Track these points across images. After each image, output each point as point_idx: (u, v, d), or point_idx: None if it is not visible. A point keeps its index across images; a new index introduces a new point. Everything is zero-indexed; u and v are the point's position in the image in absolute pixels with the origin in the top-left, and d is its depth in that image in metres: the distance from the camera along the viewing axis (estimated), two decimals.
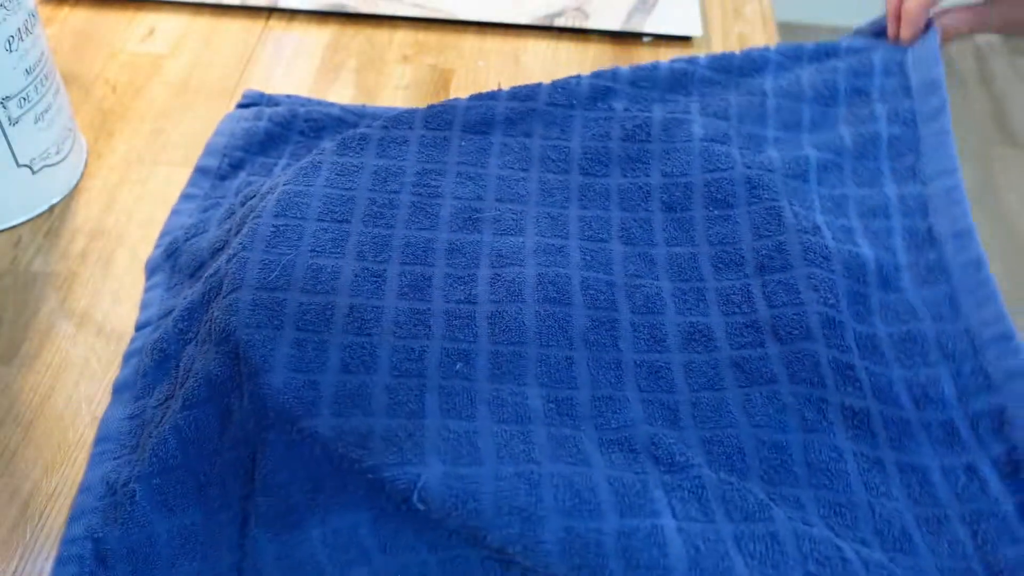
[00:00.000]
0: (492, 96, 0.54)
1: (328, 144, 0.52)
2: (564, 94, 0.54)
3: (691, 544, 0.36)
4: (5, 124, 0.53)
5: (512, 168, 0.51)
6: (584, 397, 0.42)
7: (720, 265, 0.47)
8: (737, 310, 0.45)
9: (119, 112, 0.64)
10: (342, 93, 0.66)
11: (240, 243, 0.46)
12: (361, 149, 0.51)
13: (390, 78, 0.68)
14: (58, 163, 0.57)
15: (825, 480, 0.40)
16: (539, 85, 0.54)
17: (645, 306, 0.45)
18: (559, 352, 0.43)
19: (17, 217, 0.56)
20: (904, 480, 0.41)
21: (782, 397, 0.41)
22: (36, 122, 0.55)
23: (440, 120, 0.53)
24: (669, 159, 0.51)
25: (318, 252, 0.46)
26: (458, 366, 0.42)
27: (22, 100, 0.53)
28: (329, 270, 0.45)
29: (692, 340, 0.44)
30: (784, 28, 0.69)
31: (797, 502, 0.40)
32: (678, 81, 0.58)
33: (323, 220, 0.47)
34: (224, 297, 0.44)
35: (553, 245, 0.47)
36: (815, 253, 0.46)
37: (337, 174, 0.49)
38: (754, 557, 0.37)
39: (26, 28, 0.52)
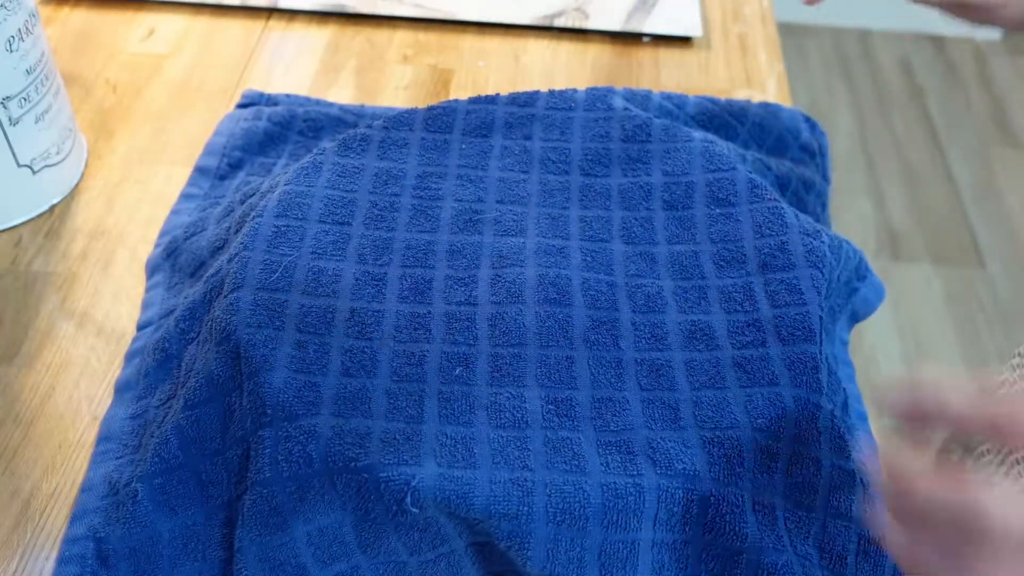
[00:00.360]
0: (491, 100, 0.54)
1: (329, 144, 0.51)
2: (563, 99, 0.54)
3: (658, 561, 0.38)
4: (6, 124, 0.53)
5: (513, 170, 0.51)
6: (584, 398, 0.42)
7: (722, 263, 0.47)
8: (739, 308, 0.45)
9: (119, 112, 0.64)
10: (342, 93, 0.66)
11: (241, 243, 0.46)
12: (362, 151, 0.51)
13: (390, 78, 0.68)
14: (58, 163, 0.57)
15: (797, 494, 0.41)
16: (537, 92, 0.55)
17: (646, 305, 0.45)
18: (559, 352, 0.43)
19: (17, 217, 0.56)
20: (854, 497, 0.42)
21: (784, 401, 0.41)
22: (36, 122, 0.55)
23: (440, 123, 0.53)
24: (670, 158, 0.51)
25: (319, 254, 0.46)
26: (457, 371, 0.42)
27: (22, 100, 0.53)
28: (330, 272, 0.45)
29: (693, 338, 0.44)
30: (784, 28, 0.69)
31: (772, 510, 0.40)
32: (667, 112, 0.59)
33: (324, 222, 0.47)
34: (225, 296, 0.44)
35: (554, 246, 0.47)
36: (817, 256, 0.46)
37: (338, 175, 0.49)
38: (711, 572, 0.39)
39: (26, 28, 0.52)
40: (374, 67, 0.69)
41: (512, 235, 0.48)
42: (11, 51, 0.52)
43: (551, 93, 0.54)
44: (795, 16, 2.19)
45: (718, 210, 0.49)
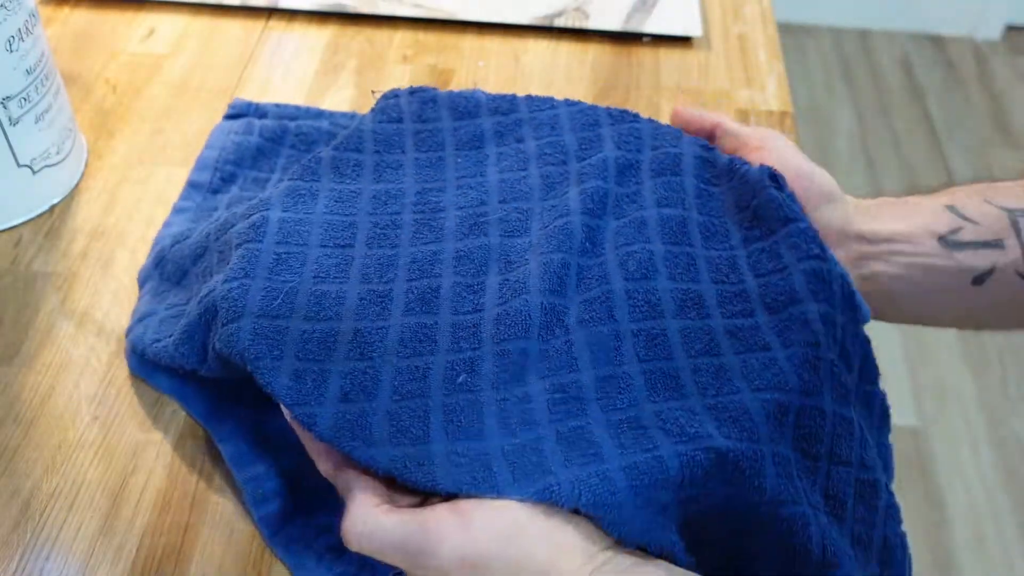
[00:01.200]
0: (475, 114, 0.54)
1: (321, 166, 0.51)
2: (543, 102, 0.54)
3: (683, 516, 0.38)
4: (6, 124, 0.53)
5: (512, 170, 0.51)
6: (588, 379, 0.41)
7: (707, 234, 0.47)
8: (725, 279, 0.45)
9: (119, 112, 0.64)
10: (342, 93, 0.66)
11: (241, 269, 0.45)
12: (357, 176, 0.51)
13: (390, 78, 0.68)
14: (58, 163, 0.57)
15: (804, 444, 0.41)
16: (515, 97, 0.55)
17: (639, 271, 0.45)
18: (558, 341, 0.43)
19: (18, 217, 0.56)
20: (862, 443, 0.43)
21: (779, 363, 0.42)
22: (36, 122, 0.55)
23: (432, 143, 0.52)
24: (659, 135, 0.52)
25: (322, 278, 0.45)
26: (461, 378, 0.41)
27: (22, 100, 0.53)
28: (333, 295, 0.44)
29: (685, 307, 0.44)
30: (784, 28, 0.69)
31: (788, 463, 0.40)
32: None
33: (326, 246, 0.46)
34: (224, 326, 0.43)
35: (556, 227, 0.47)
36: (794, 211, 0.46)
37: (336, 201, 0.49)
38: (731, 525, 0.40)
39: (26, 28, 0.52)
40: (374, 67, 0.69)
41: (519, 235, 0.47)
42: (11, 51, 0.52)
43: (528, 98, 0.55)
44: (795, 16, 2.19)
45: (703, 185, 0.49)
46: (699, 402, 0.41)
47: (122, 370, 0.49)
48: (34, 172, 0.56)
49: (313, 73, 0.68)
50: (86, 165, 0.60)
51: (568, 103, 0.54)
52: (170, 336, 0.46)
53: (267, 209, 0.47)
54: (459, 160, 0.52)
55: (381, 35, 0.71)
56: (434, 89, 0.55)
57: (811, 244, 0.45)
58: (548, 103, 0.54)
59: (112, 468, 0.46)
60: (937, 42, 2.20)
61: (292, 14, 0.73)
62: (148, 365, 0.48)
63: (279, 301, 0.43)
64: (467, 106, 0.54)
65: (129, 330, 0.50)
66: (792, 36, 2.14)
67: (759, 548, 0.40)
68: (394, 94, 0.54)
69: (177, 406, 0.48)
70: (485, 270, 0.46)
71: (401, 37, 0.71)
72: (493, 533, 0.35)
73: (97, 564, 0.42)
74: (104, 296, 0.53)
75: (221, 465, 0.46)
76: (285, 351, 0.41)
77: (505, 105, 0.54)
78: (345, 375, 0.41)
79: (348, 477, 0.38)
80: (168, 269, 0.52)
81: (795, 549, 0.39)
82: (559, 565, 0.35)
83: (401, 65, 0.69)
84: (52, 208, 0.58)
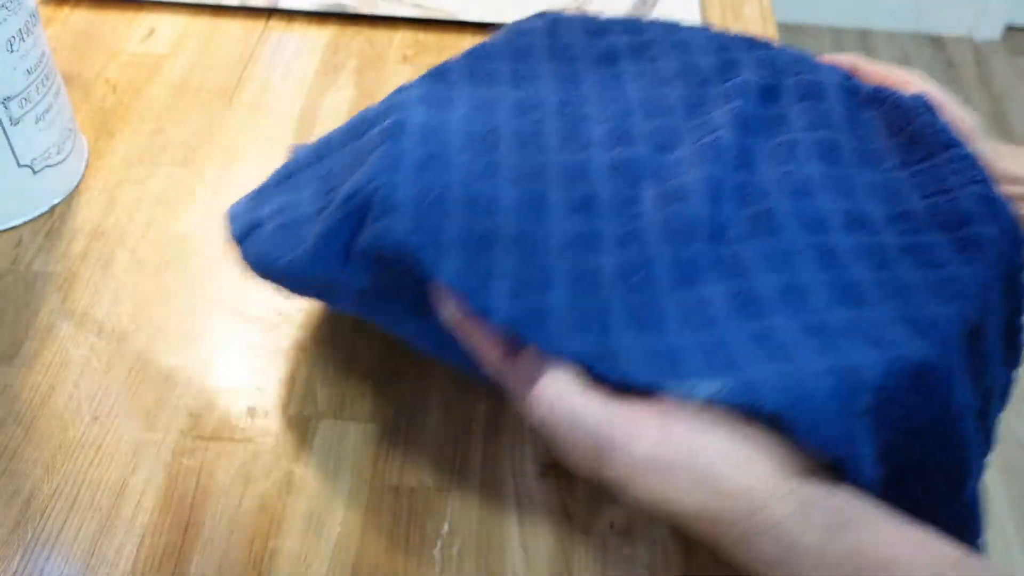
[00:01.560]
0: (606, 32, 0.53)
1: (453, 74, 0.49)
2: (669, 25, 0.54)
3: (875, 426, 0.36)
4: (6, 124, 0.53)
5: (651, 88, 0.50)
6: (766, 287, 0.40)
7: (862, 157, 0.46)
8: (888, 201, 0.44)
9: (119, 112, 0.64)
10: (342, 93, 0.66)
11: (385, 168, 0.42)
12: (492, 83, 0.49)
13: (390, 78, 0.68)
14: (59, 163, 0.57)
15: (975, 362, 0.40)
16: (640, 19, 0.54)
17: (800, 190, 0.44)
18: (726, 251, 0.41)
19: (18, 217, 0.57)
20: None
21: (963, 279, 0.40)
22: (37, 122, 0.55)
23: (566, 54, 0.52)
24: (796, 61, 0.51)
25: (473, 178, 0.43)
26: (637, 276, 0.40)
27: (23, 100, 0.53)
28: (486, 197, 0.42)
29: (853, 225, 0.43)
30: (784, 28, 0.69)
31: (967, 381, 0.39)
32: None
33: (470, 150, 0.44)
34: (376, 222, 0.41)
35: (707, 143, 0.46)
36: (952, 138, 0.45)
37: (474, 108, 0.47)
38: (910, 434, 0.38)
39: (27, 29, 0.52)
40: (374, 67, 0.69)
41: (669, 150, 0.46)
42: (11, 51, 0.52)
43: (656, 22, 0.54)
44: (795, 16, 2.19)
45: (849, 112, 0.48)
46: (889, 312, 0.39)
47: (122, 370, 0.49)
48: (34, 172, 0.56)
49: (313, 73, 0.68)
50: (86, 165, 0.60)
51: (695, 28, 0.53)
52: (300, 248, 0.44)
53: (403, 111, 0.45)
54: (596, 75, 0.50)
55: (381, 35, 0.71)
56: (560, 12, 0.54)
57: (975, 170, 0.43)
58: (676, 27, 0.53)
59: (112, 468, 0.46)
60: (937, 42, 2.20)
61: (292, 14, 0.73)
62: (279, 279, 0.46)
63: (430, 200, 0.41)
64: (596, 25, 0.53)
65: (240, 238, 0.46)
66: (792, 36, 2.14)
67: (924, 462, 0.39)
68: (516, 23, 0.54)
69: (177, 406, 0.48)
70: (640, 182, 0.44)
71: (401, 37, 0.71)
72: (690, 438, 0.34)
73: (97, 564, 0.42)
74: (104, 296, 0.53)
75: (221, 465, 0.46)
76: (444, 246, 0.39)
77: (634, 26, 0.54)
78: (513, 275, 0.39)
79: (530, 363, 0.36)
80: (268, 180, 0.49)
81: (957, 465, 0.38)
82: (742, 484, 0.33)
83: (401, 65, 0.69)
84: (52, 208, 0.58)
